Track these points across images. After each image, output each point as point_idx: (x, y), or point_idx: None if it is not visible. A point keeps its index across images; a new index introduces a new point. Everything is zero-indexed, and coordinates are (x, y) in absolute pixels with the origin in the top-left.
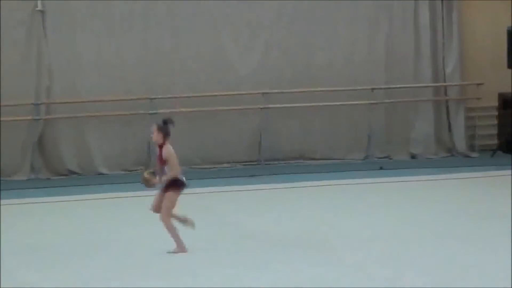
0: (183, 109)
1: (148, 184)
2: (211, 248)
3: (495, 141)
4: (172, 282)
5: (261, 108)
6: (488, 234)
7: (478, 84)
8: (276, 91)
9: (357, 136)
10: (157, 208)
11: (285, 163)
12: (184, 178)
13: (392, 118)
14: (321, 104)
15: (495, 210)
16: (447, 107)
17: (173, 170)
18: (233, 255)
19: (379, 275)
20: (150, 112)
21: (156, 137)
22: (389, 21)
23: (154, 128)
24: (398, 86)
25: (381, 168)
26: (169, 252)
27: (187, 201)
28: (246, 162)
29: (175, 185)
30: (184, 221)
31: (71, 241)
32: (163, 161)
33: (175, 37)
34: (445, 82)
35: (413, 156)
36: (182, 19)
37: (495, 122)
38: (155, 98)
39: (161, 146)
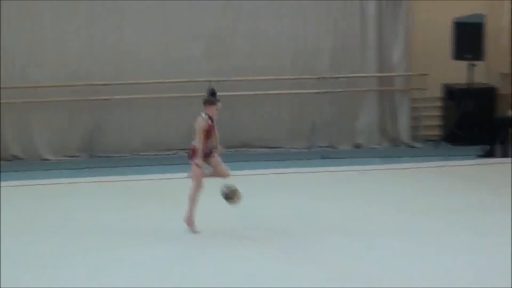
0: (126, 96)
1: (236, 197)
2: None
3: (439, 132)
4: None
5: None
6: (428, 227)
7: (423, 75)
8: (222, 79)
9: (301, 125)
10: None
11: (229, 151)
12: None
13: (337, 108)
14: (266, 92)
15: (438, 202)
16: (392, 98)
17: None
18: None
19: (312, 265)
20: (97, 98)
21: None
22: (336, 12)
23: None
24: (343, 75)
25: (325, 158)
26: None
27: (126, 187)
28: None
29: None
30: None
31: (14, 227)
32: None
33: (121, 25)
34: (390, 72)
35: (357, 146)
36: (129, 5)
37: (440, 113)
38: (100, 85)
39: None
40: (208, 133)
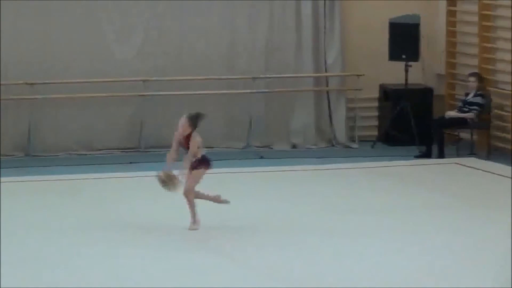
0: (62, 95)
1: (171, 183)
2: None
3: (375, 132)
4: None
5: (141, 95)
6: (358, 227)
7: (359, 76)
8: (156, 78)
9: (237, 125)
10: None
11: (165, 150)
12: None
13: (273, 108)
14: (201, 92)
15: (370, 202)
16: (328, 98)
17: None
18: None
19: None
20: (29, 97)
21: (185, 129)
22: (270, 11)
23: (184, 121)
24: (279, 75)
25: (261, 158)
26: (192, 229)
27: (63, 187)
28: (125, 149)
29: (204, 163)
30: (216, 199)
31: None
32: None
33: (49, 23)
34: (326, 72)
35: (293, 146)
36: (57, 3)
37: (376, 113)
38: (34, 84)
39: (188, 136)
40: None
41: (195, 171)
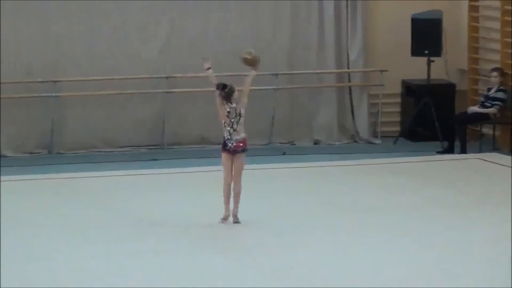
0: (85, 93)
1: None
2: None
3: (398, 128)
4: None
5: (165, 92)
6: (382, 223)
7: (381, 71)
8: (179, 75)
9: (260, 121)
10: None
11: (187, 147)
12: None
13: (296, 104)
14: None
15: (393, 198)
16: (351, 94)
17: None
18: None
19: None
20: (53, 95)
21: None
22: (294, 8)
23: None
24: (302, 71)
25: (284, 154)
26: (236, 222)
27: (84, 185)
28: (148, 146)
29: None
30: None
31: None
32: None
33: (74, 22)
34: (349, 68)
35: (316, 142)
36: (81, 2)
37: (398, 109)
38: (58, 81)
39: None
40: None
41: (243, 155)
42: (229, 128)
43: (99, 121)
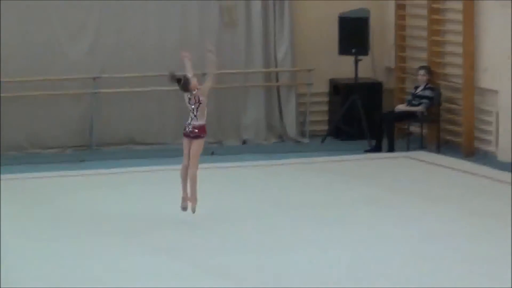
0: (14, 94)
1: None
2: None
3: (326, 127)
4: None
5: (92, 93)
6: (303, 223)
7: (309, 70)
8: (106, 75)
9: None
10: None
11: (115, 148)
12: None
13: (223, 104)
14: (152, 89)
15: (318, 196)
16: (278, 93)
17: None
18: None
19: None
20: None
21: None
22: (220, 7)
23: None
24: (229, 71)
25: (212, 153)
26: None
27: (13, 186)
28: (76, 146)
29: (205, 130)
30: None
31: None
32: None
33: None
34: (276, 67)
35: (244, 142)
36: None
37: (326, 108)
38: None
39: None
40: None
41: (200, 141)
42: (191, 114)
43: (27, 122)
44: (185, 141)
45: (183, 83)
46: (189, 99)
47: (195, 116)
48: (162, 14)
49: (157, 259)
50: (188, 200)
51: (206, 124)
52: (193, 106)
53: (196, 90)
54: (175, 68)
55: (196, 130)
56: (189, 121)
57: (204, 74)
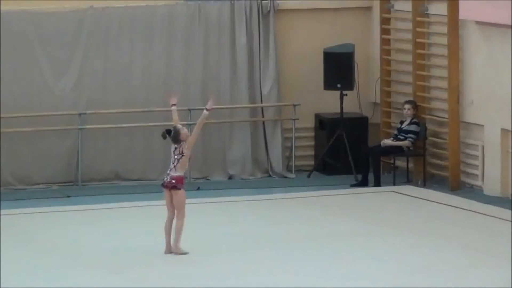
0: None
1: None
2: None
3: (312, 162)
4: None
5: (78, 129)
6: (285, 258)
7: (294, 105)
8: (92, 111)
9: None
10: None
11: (102, 183)
12: None
13: (209, 139)
14: (138, 125)
15: (302, 231)
16: (264, 128)
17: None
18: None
19: None
20: None
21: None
22: (205, 42)
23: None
24: (215, 107)
25: (198, 188)
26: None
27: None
28: (61, 183)
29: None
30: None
31: None
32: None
33: None
34: (261, 103)
35: (230, 177)
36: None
37: (312, 143)
38: None
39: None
40: None
41: (180, 192)
42: (171, 164)
43: (12, 158)
44: (165, 192)
45: (173, 135)
46: (175, 148)
47: (174, 167)
48: (147, 51)
49: None
50: (171, 251)
51: (184, 177)
52: (175, 157)
53: (183, 142)
54: (160, 105)
55: (174, 181)
56: (168, 171)
57: (189, 110)
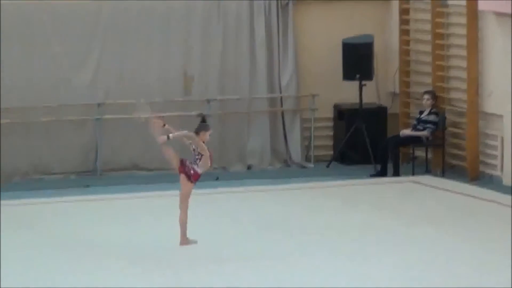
0: (18, 121)
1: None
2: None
3: (330, 152)
4: None
5: (96, 119)
6: (305, 248)
7: (313, 96)
8: (110, 101)
9: None
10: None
11: (120, 173)
12: None
13: (228, 130)
14: (156, 115)
15: (321, 221)
16: (283, 119)
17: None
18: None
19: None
20: None
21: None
22: (224, 33)
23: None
24: (234, 97)
25: (217, 179)
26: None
27: (18, 213)
28: (80, 172)
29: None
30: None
31: None
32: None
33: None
34: (280, 93)
35: (249, 167)
36: (10, 27)
37: (331, 133)
38: None
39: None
40: None
41: (191, 186)
42: (196, 160)
43: (32, 148)
44: (181, 177)
45: (203, 120)
46: (193, 149)
47: (196, 163)
48: (165, 42)
49: (160, 283)
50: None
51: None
52: (196, 156)
53: (197, 144)
54: (177, 95)
55: (192, 172)
56: (191, 161)
57: (208, 101)
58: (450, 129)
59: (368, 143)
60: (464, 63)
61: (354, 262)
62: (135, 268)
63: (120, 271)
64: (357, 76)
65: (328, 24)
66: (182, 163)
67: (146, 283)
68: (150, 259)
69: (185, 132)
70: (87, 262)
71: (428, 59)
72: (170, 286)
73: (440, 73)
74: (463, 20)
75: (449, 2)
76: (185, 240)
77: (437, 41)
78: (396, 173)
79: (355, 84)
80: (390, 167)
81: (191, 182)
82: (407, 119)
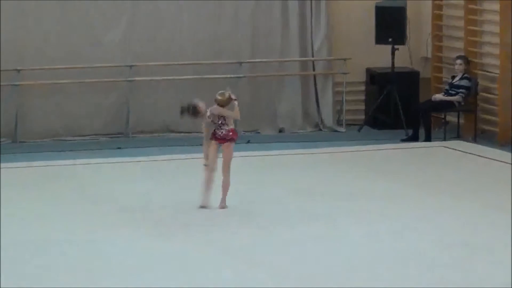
0: (50, 82)
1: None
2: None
3: (362, 116)
4: None
5: (127, 81)
6: (341, 213)
7: (345, 60)
8: (142, 63)
9: None
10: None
11: (150, 135)
12: None
13: (260, 93)
14: (187, 77)
15: (354, 186)
16: (315, 82)
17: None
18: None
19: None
20: (16, 83)
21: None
22: None
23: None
24: (265, 60)
25: (248, 142)
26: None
27: (52, 173)
28: (111, 134)
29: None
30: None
31: None
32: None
33: (36, 8)
34: (312, 57)
35: (280, 131)
36: None
37: (363, 97)
38: (21, 70)
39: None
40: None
41: (231, 146)
42: (220, 125)
43: (62, 110)
44: (213, 144)
45: (192, 111)
46: (211, 120)
47: (223, 124)
48: (197, 3)
49: (187, 245)
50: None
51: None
52: (219, 122)
53: (209, 112)
54: (208, 58)
55: (230, 133)
56: (218, 128)
57: (240, 63)
58: (482, 94)
59: (400, 107)
60: (496, 28)
61: (393, 226)
62: (164, 229)
63: (149, 231)
64: (390, 40)
65: None
66: (214, 134)
67: (174, 244)
68: (179, 220)
69: (207, 114)
70: (117, 223)
71: (461, 24)
72: (200, 246)
73: (472, 38)
74: None
75: None
76: (224, 205)
77: (470, 6)
78: (428, 138)
79: (387, 48)
80: (421, 132)
81: (234, 140)
82: (439, 84)
